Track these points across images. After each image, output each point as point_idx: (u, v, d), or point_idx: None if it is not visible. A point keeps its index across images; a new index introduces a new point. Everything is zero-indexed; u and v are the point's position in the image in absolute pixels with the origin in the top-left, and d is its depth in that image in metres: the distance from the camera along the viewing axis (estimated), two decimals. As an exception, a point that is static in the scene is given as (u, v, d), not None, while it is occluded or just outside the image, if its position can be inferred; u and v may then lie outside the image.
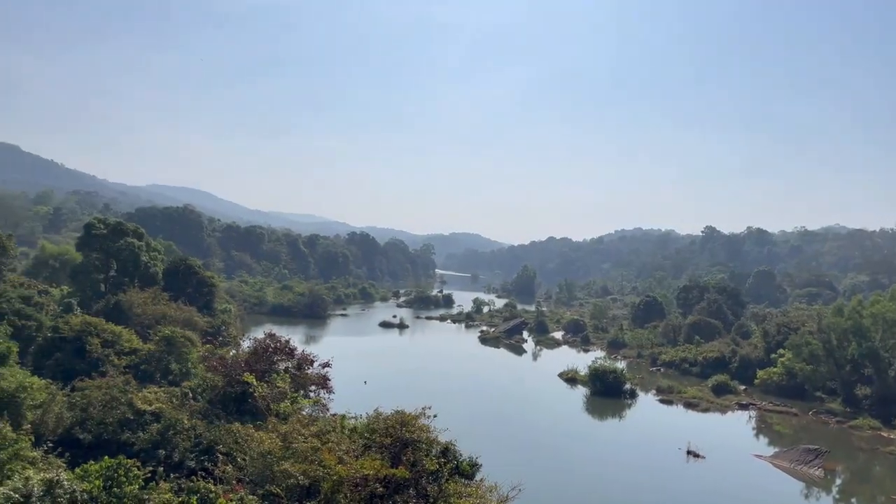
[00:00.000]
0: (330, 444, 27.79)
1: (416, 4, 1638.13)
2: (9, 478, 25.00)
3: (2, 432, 28.97)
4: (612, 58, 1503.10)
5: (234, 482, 27.22)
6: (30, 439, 30.18)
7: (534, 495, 35.31)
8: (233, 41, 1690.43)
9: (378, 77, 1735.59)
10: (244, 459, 28.36)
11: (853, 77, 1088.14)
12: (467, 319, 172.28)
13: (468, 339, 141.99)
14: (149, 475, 26.13)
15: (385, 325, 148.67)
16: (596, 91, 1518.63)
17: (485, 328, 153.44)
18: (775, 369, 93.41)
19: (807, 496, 54.99)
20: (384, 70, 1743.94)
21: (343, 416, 34.36)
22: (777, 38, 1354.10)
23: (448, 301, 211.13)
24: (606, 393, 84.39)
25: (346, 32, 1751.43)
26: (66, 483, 23.50)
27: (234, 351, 54.90)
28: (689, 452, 60.63)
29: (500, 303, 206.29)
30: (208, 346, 57.25)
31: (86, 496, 23.29)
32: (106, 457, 25.47)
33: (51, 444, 31.78)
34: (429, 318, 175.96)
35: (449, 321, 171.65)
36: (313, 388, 42.68)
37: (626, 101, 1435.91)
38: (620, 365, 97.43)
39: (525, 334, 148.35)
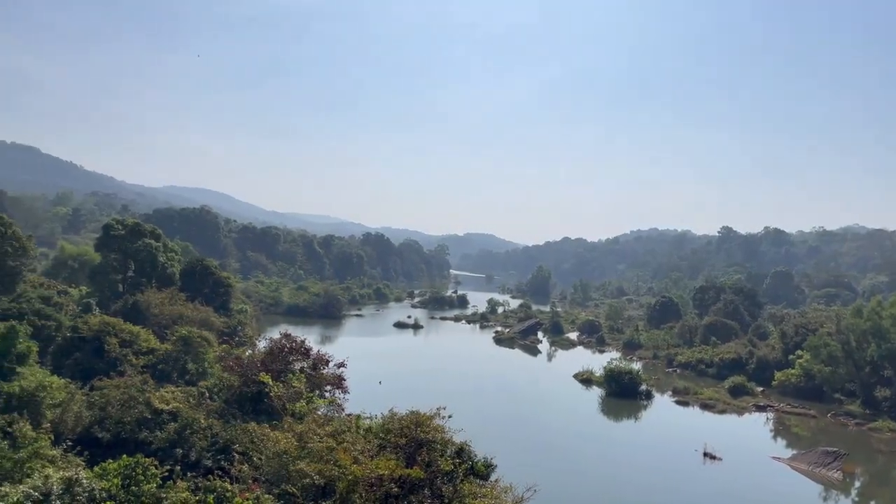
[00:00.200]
0: (345, 443, 27.86)
1: (432, 4, 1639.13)
2: (29, 476, 25.34)
3: (22, 431, 29.39)
4: (629, 58, 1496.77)
5: (250, 481, 27.39)
6: (49, 438, 30.56)
7: (549, 496, 35.17)
8: (249, 42, 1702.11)
9: (394, 77, 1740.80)
10: (260, 459, 28.52)
11: (871, 76, 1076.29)
12: (482, 320, 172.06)
13: (483, 339, 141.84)
14: (166, 474, 26.38)
15: (400, 325, 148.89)
16: (613, 91, 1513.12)
17: (499, 329, 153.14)
18: (793, 371, 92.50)
19: (825, 499, 54.37)
20: (401, 70, 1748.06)
21: (358, 416, 34.43)
22: (795, 38, 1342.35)
23: (462, 301, 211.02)
24: (622, 394, 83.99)
25: (362, 33, 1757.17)
26: (84, 481, 23.77)
27: (250, 351, 55.23)
28: (705, 454, 60.19)
29: (514, 303, 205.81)
30: (225, 346, 57.74)
31: (104, 494, 23.54)
32: (124, 455, 25.74)
33: (70, 443, 32.20)
34: (443, 318, 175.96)
35: (463, 322, 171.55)
36: (329, 388, 42.82)
37: (643, 101, 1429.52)
38: (636, 366, 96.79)
39: (540, 335, 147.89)
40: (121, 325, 57.02)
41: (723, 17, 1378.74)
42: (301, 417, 33.00)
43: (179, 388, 43.91)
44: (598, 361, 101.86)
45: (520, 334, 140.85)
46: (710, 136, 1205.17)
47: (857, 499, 56.66)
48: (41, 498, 22.89)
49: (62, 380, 42.33)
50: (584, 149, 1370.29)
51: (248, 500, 24.62)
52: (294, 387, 37.43)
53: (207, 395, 42.35)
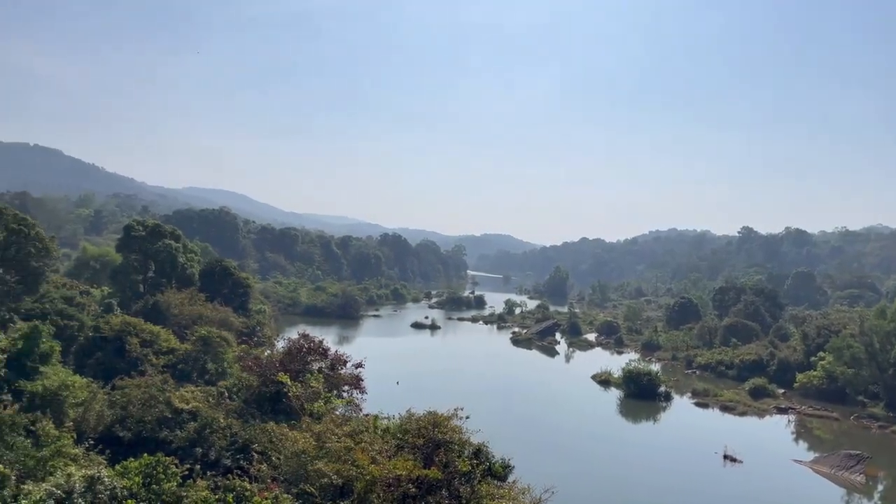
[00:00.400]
0: (363, 444, 27.91)
1: (450, 5, 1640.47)
2: (51, 474, 25.67)
3: (45, 429, 29.78)
4: (647, 58, 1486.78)
5: (268, 481, 27.52)
6: (72, 436, 30.94)
7: (567, 498, 35.04)
8: (265, 43, 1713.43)
9: (411, 77, 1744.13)
10: (279, 458, 28.65)
11: (894, 74, 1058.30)
12: (499, 321, 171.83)
13: (500, 340, 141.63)
14: (186, 473, 26.60)
15: (417, 325, 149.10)
16: (630, 91, 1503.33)
17: (517, 329, 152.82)
18: (815, 373, 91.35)
19: (848, 502, 53.70)
20: (419, 70, 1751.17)
21: (376, 417, 34.45)
22: (815, 36, 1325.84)
23: (480, 302, 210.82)
24: (640, 395, 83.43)
25: (376, 33, 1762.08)
26: (106, 480, 24.03)
27: (268, 351, 55.51)
28: (725, 456, 59.62)
29: (532, 304, 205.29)
30: (243, 346, 58.05)
31: (125, 492, 23.77)
32: (145, 454, 25.99)
33: (92, 442, 32.58)
34: (460, 319, 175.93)
35: (481, 322, 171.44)
36: (346, 388, 42.91)
37: (660, 100, 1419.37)
38: (655, 367, 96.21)
39: (557, 336, 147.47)
40: (141, 325, 57.63)
41: (743, 15, 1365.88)
42: (319, 417, 33.09)
43: (199, 388, 44.21)
44: (616, 363, 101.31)
45: (537, 335, 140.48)
46: (729, 136, 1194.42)
47: (879, 502, 55.81)
48: (64, 496, 23.18)
49: (84, 379, 42.83)
50: (602, 149, 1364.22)
51: (266, 499, 24.75)
52: (312, 387, 37.57)
53: (227, 394, 42.64)
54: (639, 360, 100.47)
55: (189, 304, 74.36)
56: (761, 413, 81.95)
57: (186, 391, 41.55)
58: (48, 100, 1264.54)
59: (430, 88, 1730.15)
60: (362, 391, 43.14)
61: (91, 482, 23.76)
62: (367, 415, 36.17)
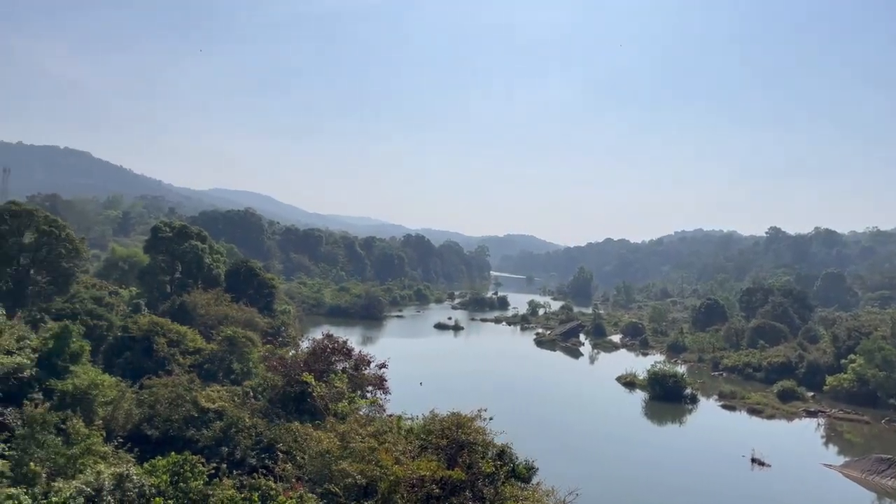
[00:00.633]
0: (387, 444, 27.98)
1: (471, 5, 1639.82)
2: (81, 472, 26.12)
3: (75, 428, 30.31)
4: (670, 57, 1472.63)
5: (293, 480, 27.71)
6: (101, 435, 31.46)
7: (591, 500, 34.80)
8: (288, 43, 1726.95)
9: (434, 78, 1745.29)
10: (303, 458, 28.83)
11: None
12: (522, 322, 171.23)
13: (524, 341, 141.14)
14: (212, 471, 26.90)
15: (440, 326, 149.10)
16: (655, 91, 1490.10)
17: (540, 331, 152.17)
18: (846, 375, 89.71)
19: (880, 508, 52.62)
20: (440, 71, 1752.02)
21: (399, 417, 34.52)
22: (844, 33, 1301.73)
23: (503, 303, 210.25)
24: (666, 398, 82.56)
25: (399, 34, 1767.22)
26: (135, 477, 24.40)
27: (293, 351, 55.81)
28: (753, 460, 58.74)
29: (555, 305, 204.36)
30: (268, 346, 58.52)
31: (153, 490, 24.10)
32: (172, 452, 26.34)
33: (121, 440, 33.05)
34: (484, 320, 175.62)
35: (504, 323, 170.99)
36: (370, 388, 43.07)
37: (686, 100, 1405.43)
38: (680, 369, 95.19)
39: (582, 337, 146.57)
40: (168, 325, 58.28)
41: (766, 13, 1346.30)
42: (343, 417, 33.25)
43: (225, 388, 44.64)
44: (641, 364, 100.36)
45: (561, 336, 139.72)
46: (756, 136, 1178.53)
47: (914, 509, 54.60)
48: (93, 493, 23.57)
49: (113, 378, 43.44)
50: (627, 149, 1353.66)
51: (291, 498, 24.92)
52: (336, 387, 37.75)
53: (252, 394, 43.00)
54: (664, 361, 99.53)
55: (215, 304, 75.09)
56: (790, 416, 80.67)
57: (212, 390, 41.99)
58: (78, 103, 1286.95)
59: (455, 90, 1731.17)
60: (386, 391, 43.27)
61: (120, 480, 24.14)
62: (390, 415, 36.26)
